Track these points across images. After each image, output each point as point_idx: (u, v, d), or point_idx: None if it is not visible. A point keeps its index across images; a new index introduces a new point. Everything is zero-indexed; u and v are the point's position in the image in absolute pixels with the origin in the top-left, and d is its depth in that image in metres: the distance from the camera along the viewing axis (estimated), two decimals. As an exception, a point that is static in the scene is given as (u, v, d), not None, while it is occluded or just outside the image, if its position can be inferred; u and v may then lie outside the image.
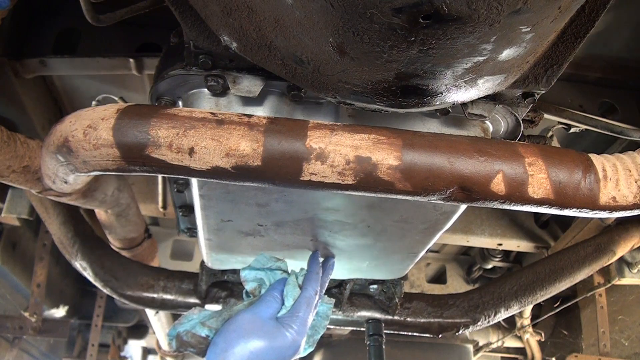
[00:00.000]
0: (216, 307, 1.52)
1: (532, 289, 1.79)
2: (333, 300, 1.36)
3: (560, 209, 0.86)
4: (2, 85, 1.41)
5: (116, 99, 1.37)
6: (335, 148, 0.80)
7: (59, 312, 3.13)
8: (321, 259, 1.34)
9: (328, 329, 1.91)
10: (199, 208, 1.18)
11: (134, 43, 1.42)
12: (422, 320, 1.78)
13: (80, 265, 1.76)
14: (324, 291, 1.28)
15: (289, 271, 1.28)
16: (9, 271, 2.60)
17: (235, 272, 1.63)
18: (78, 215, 1.80)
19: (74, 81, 1.68)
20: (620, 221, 1.94)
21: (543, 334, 2.96)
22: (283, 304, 1.18)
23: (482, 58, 0.67)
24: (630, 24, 1.38)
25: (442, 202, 0.85)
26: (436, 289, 3.04)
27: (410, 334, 1.80)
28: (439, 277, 3.17)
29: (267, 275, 1.27)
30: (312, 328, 1.30)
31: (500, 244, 2.44)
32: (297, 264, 1.48)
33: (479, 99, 0.93)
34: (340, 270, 1.52)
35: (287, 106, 0.99)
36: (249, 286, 1.27)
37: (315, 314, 1.28)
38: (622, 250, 1.88)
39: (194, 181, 1.08)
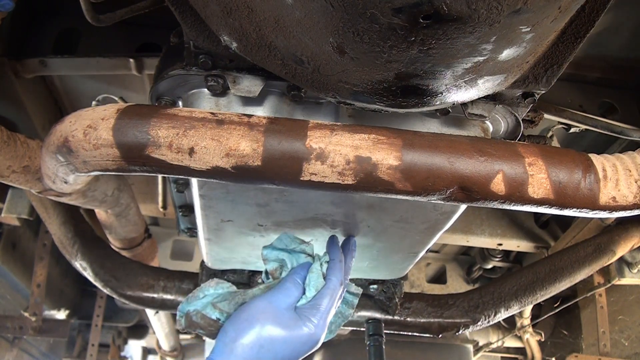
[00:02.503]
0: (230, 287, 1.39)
1: (532, 289, 1.79)
2: (360, 290, 1.27)
3: (560, 209, 0.86)
4: (2, 85, 1.41)
5: (116, 99, 1.37)
6: (335, 148, 0.80)
7: (59, 313, 3.13)
8: (341, 240, 1.21)
9: (328, 329, 1.90)
10: (199, 208, 1.18)
11: (134, 43, 1.42)
12: (422, 320, 1.78)
13: (80, 265, 1.76)
14: (348, 278, 1.17)
15: (314, 256, 1.18)
16: (9, 271, 2.60)
17: (236, 272, 1.63)
18: (78, 215, 1.80)
19: (74, 81, 1.68)
20: (620, 221, 1.94)
21: (543, 334, 2.96)
22: (304, 293, 1.07)
23: (482, 58, 0.67)
24: (630, 24, 1.38)
25: (442, 202, 0.85)
26: (436, 289, 3.04)
27: (410, 334, 1.80)
28: (439, 277, 3.17)
29: (290, 257, 1.17)
30: (337, 315, 1.23)
31: (500, 244, 2.44)
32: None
33: (479, 99, 0.93)
34: (340, 270, 1.52)
35: (287, 106, 0.99)
36: (269, 266, 1.17)
37: (340, 302, 1.19)
38: (622, 250, 1.88)
39: (194, 181, 1.08)
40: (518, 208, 0.86)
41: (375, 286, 1.70)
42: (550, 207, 0.85)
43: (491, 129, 1.06)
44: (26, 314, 2.60)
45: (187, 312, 1.08)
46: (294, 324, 1.00)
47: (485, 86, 0.78)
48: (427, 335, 1.81)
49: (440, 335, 1.80)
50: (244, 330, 0.98)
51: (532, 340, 3.04)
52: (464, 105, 0.94)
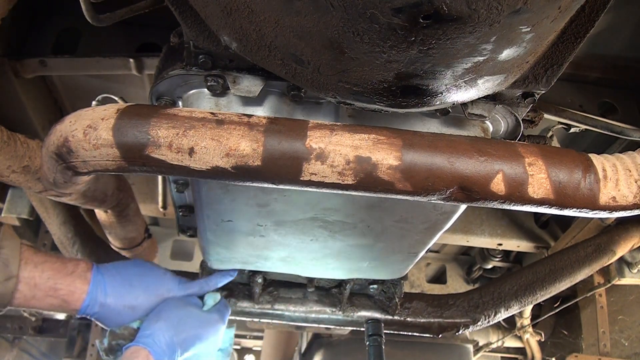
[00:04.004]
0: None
1: (532, 289, 1.78)
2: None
3: (560, 209, 0.86)
4: (2, 85, 1.41)
5: (116, 99, 1.37)
6: (335, 148, 0.80)
7: (59, 313, 3.13)
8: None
9: (328, 329, 1.91)
10: (199, 208, 1.18)
11: (134, 43, 1.42)
12: (422, 320, 1.78)
13: (80, 265, 1.75)
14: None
15: None
16: (9, 271, 2.59)
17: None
18: (78, 215, 1.80)
19: (74, 81, 1.67)
20: (620, 221, 1.94)
21: (543, 334, 2.96)
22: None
23: (482, 58, 0.68)
24: (630, 24, 1.38)
25: (442, 202, 0.85)
26: (436, 289, 3.03)
27: (410, 334, 1.80)
28: (439, 277, 3.16)
29: None
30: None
31: (500, 244, 2.44)
32: (297, 266, 1.48)
33: (479, 99, 0.93)
34: (340, 270, 1.52)
35: (287, 106, 0.99)
36: None
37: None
38: (622, 250, 1.87)
39: (194, 181, 1.08)
40: (518, 208, 0.86)
41: (375, 286, 1.70)
42: (550, 207, 0.85)
43: (491, 129, 1.06)
44: (26, 314, 2.60)
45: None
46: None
47: (485, 86, 0.78)
48: (427, 335, 1.81)
49: (440, 335, 1.80)
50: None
51: (532, 340, 3.04)
52: (464, 105, 0.94)
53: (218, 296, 1.47)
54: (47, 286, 1.16)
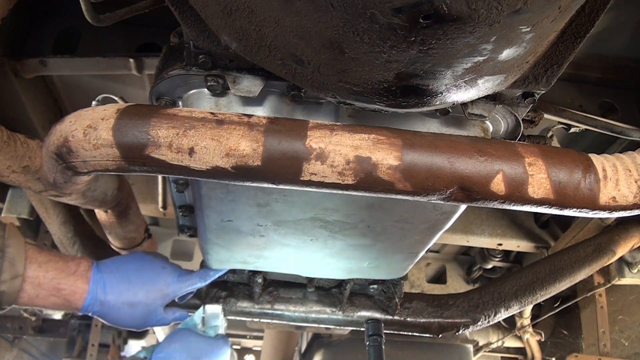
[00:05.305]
0: (216, 308, 1.55)
1: (532, 289, 1.78)
2: None
3: (560, 209, 0.86)
4: (2, 85, 1.41)
5: (116, 99, 1.37)
6: (335, 148, 0.80)
7: (59, 313, 3.13)
8: None
9: (328, 329, 1.91)
10: (199, 208, 1.18)
11: (134, 43, 1.42)
12: (422, 320, 1.78)
13: (80, 265, 1.75)
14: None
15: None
16: (9, 271, 2.59)
17: (235, 272, 1.63)
18: (78, 215, 1.80)
19: (74, 81, 1.67)
20: (620, 221, 1.94)
21: (543, 334, 2.96)
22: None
23: (482, 58, 0.68)
24: (630, 24, 1.38)
25: (442, 202, 0.86)
26: (436, 289, 3.03)
27: (410, 334, 1.80)
28: (439, 277, 3.16)
29: None
30: None
31: (500, 244, 2.44)
32: (297, 266, 1.49)
33: (479, 99, 0.93)
34: (340, 270, 1.52)
35: (287, 106, 0.99)
36: None
37: None
38: (622, 250, 1.87)
39: (194, 181, 1.08)
40: (518, 208, 0.86)
41: (375, 286, 1.70)
42: (550, 207, 0.85)
43: (491, 129, 1.06)
44: (26, 314, 2.60)
45: None
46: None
47: (485, 86, 0.78)
48: (427, 335, 1.81)
49: (440, 335, 1.80)
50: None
51: (532, 340, 3.04)
52: (464, 105, 0.94)
53: (218, 328, 1.55)
54: (50, 286, 1.17)
